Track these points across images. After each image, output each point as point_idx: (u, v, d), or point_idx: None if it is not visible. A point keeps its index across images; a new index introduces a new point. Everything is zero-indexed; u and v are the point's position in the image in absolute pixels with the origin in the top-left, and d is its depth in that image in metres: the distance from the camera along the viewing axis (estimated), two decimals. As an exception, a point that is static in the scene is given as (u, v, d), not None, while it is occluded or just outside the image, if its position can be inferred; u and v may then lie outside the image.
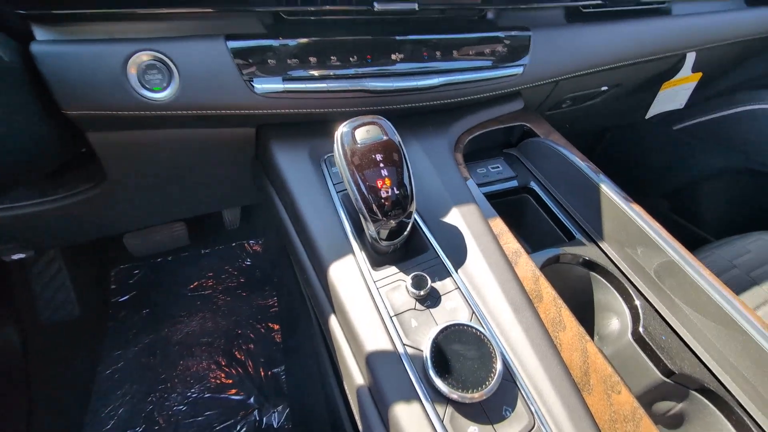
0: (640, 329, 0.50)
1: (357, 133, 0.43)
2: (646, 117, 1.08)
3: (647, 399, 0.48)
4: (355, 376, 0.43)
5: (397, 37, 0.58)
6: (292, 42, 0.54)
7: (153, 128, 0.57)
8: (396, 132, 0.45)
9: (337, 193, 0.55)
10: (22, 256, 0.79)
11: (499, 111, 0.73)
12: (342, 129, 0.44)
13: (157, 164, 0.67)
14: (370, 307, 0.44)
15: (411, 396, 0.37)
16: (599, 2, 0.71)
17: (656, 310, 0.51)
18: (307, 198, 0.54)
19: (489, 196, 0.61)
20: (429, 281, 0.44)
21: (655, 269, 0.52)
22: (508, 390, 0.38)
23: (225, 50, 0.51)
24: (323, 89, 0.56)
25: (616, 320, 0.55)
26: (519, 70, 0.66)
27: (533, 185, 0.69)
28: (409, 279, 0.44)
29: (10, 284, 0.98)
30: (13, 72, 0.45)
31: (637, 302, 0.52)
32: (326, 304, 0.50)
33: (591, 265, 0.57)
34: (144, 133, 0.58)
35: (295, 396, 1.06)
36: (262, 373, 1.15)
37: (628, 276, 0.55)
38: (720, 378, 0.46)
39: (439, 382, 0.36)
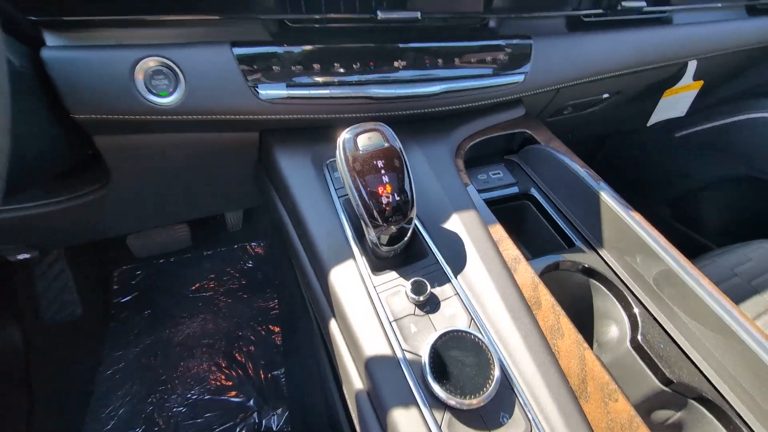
0: (639, 337, 0.50)
1: (359, 140, 0.44)
2: (648, 124, 1.08)
3: (645, 407, 0.48)
4: (355, 380, 0.44)
5: (400, 45, 0.59)
6: (296, 49, 0.54)
7: (158, 132, 0.58)
8: (397, 138, 0.45)
9: (338, 197, 0.56)
10: (26, 256, 0.80)
11: (500, 118, 0.74)
12: (344, 135, 0.44)
13: (162, 167, 0.68)
14: (369, 312, 0.44)
15: (409, 401, 0.37)
16: (600, 11, 0.72)
17: (655, 319, 0.52)
18: (308, 202, 0.55)
19: (489, 202, 0.61)
20: (428, 287, 0.44)
21: (654, 277, 0.53)
22: (506, 397, 0.38)
23: (230, 56, 0.52)
24: (326, 95, 0.57)
25: (615, 328, 0.55)
26: (520, 78, 0.66)
27: (534, 192, 0.70)
28: (408, 284, 0.45)
29: (13, 284, 0.99)
30: (24, 77, 0.45)
31: (636, 310, 0.52)
32: (326, 309, 0.50)
33: (590, 272, 0.58)
34: (149, 137, 0.59)
35: (295, 399, 1.06)
36: (262, 376, 1.15)
37: (627, 284, 0.55)
38: (718, 387, 0.46)
39: (437, 388, 0.36)
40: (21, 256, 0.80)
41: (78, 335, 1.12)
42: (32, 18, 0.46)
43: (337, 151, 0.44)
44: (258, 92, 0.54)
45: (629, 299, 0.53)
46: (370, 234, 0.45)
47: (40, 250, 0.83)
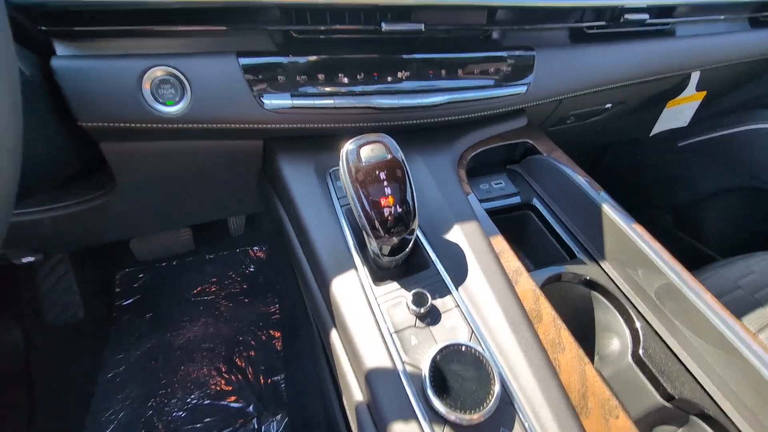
0: (640, 351, 0.50)
1: (362, 151, 0.44)
2: (651, 134, 1.08)
3: (647, 423, 0.48)
4: (355, 392, 0.44)
5: (404, 56, 0.60)
6: (301, 59, 0.55)
7: (164, 140, 0.59)
8: (399, 149, 0.46)
9: (341, 207, 0.56)
10: (31, 259, 0.81)
11: (502, 128, 0.74)
12: (347, 147, 0.45)
13: (166, 173, 0.69)
14: (371, 323, 0.44)
15: (409, 415, 0.37)
16: (603, 23, 0.72)
17: (657, 333, 0.51)
18: (311, 211, 0.55)
19: (491, 212, 0.62)
20: (429, 299, 0.44)
21: (656, 291, 0.53)
22: (506, 412, 0.38)
23: (236, 66, 0.53)
24: (330, 105, 0.57)
25: (616, 341, 0.55)
26: (523, 89, 0.67)
27: (536, 202, 0.70)
28: (409, 296, 0.45)
29: (17, 286, 1.00)
30: (33, 86, 0.46)
31: (638, 324, 0.52)
32: (328, 318, 0.50)
33: (592, 284, 0.57)
34: (154, 144, 0.60)
35: (294, 405, 1.06)
36: (262, 381, 1.15)
37: (629, 297, 0.55)
38: (720, 404, 0.45)
39: (437, 403, 0.36)
40: (25, 260, 0.81)
41: (80, 338, 1.13)
42: (43, 28, 0.47)
43: (340, 162, 0.45)
44: (263, 102, 0.55)
45: (631, 313, 0.53)
46: (372, 244, 0.45)
47: (44, 254, 0.84)
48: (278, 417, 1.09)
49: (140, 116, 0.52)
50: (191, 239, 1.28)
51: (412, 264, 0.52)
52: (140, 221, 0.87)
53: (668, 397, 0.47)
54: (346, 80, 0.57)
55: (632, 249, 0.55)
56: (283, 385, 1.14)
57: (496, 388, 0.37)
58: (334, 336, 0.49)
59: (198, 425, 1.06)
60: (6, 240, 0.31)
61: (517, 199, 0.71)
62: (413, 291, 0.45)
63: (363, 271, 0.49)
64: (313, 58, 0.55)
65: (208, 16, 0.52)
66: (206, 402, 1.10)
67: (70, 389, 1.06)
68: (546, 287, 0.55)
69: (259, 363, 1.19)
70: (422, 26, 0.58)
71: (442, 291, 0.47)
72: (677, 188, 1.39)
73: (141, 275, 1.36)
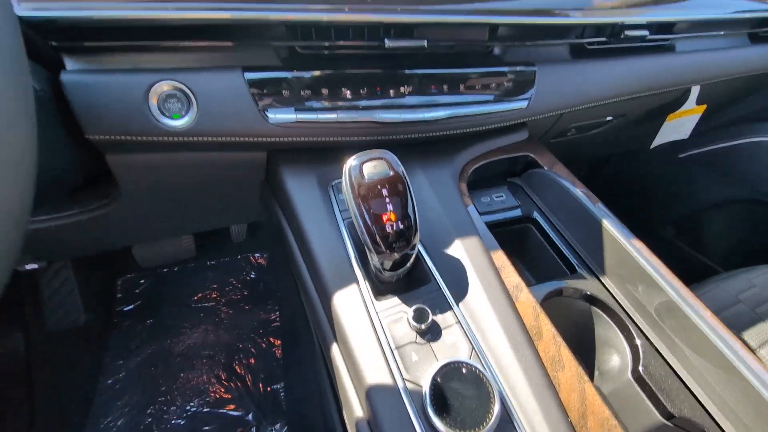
0: (640, 368, 0.50)
1: (365, 168, 0.45)
2: (651, 146, 1.09)
3: (647, 441, 0.48)
4: (355, 407, 0.44)
5: (406, 71, 0.61)
6: (305, 74, 0.56)
7: (169, 152, 0.60)
8: (401, 165, 0.46)
9: (343, 220, 0.57)
10: (35, 266, 0.81)
11: (503, 141, 0.75)
12: (350, 163, 0.45)
13: (170, 184, 0.69)
14: (372, 338, 0.44)
15: (409, 433, 0.37)
16: (603, 39, 0.73)
17: (657, 350, 0.52)
18: (314, 224, 0.56)
19: (493, 225, 0.62)
20: (430, 315, 0.44)
21: (655, 308, 0.53)
22: (506, 431, 0.38)
23: (242, 81, 0.54)
24: (334, 120, 0.58)
25: (616, 357, 0.55)
26: (524, 104, 0.67)
27: (536, 215, 0.70)
28: (410, 311, 0.45)
29: (19, 291, 1.00)
30: (43, 101, 0.47)
31: (638, 341, 0.52)
32: (329, 332, 0.51)
33: (592, 299, 0.58)
34: (159, 156, 0.60)
35: (294, 414, 1.06)
36: (262, 389, 1.15)
37: (630, 313, 0.55)
38: (720, 423, 0.45)
39: (437, 422, 0.36)
40: (29, 267, 0.81)
41: (81, 343, 1.13)
42: (54, 44, 0.48)
43: (343, 178, 0.45)
44: (267, 116, 0.55)
45: (631, 329, 0.53)
46: (374, 259, 0.46)
47: (48, 261, 0.84)
48: (277, 426, 1.08)
49: (147, 130, 0.52)
50: (193, 245, 1.29)
51: (414, 278, 0.52)
52: (143, 229, 0.87)
53: (668, 416, 0.47)
54: (349, 95, 0.58)
55: (632, 265, 0.55)
56: (282, 394, 1.14)
57: (496, 407, 0.37)
58: (335, 350, 0.49)
59: (197, 433, 1.06)
60: None
61: (518, 212, 0.71)
62: (414, 307, 0.45)
63: (364, 285, 0.49)
64: (317, 73, 0.56)
65: (215, 32, 0.53)
66: (205, 410, 1.10)
67: (70, 395, 1.06)
68: (546, 302, 0.56)
69: (259, 371, 1.19)
70: (425, 42, 0.59)
71: (443, 306, 0.48)
72: (678, 199, 1.40)
73: (142, 281, 1.36)
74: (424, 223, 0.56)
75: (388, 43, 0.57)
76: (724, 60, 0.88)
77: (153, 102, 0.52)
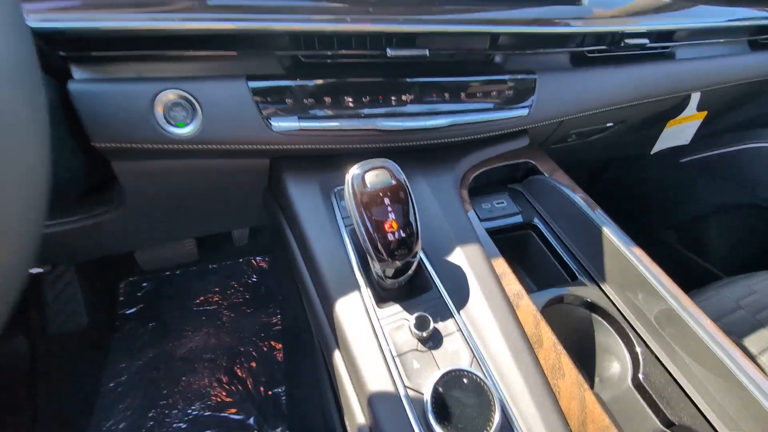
0: (640, 376, 0.50)
1: (367, 177, 0.46)
2: (652, 152, 1.09)
3: (647, 448, 0.48)
4: (357, 414, 0.44)
5: (408, 80, 0.61)
6: (309, 83, 0.57)
7: (173, 159, 0.60)
8: (403, 173, 0.47)
9: (345, 227, 0.57)
10: (39, 270, 0.82)
11: (504, 148, 0.75)
12: (353, 171, 0.46)
13: (174, 190, 0.70)
14: (373, 345, 0.45)
15: (411, 441, 0.38)
16: (604, 47, 0.74)
17: (657, 358, 0.52)
18: (316, 230, 0.57)
19: (493, 231, 0.62)
20: (431, 322, 0.45)
21: (655, 316, 0.53)
22: (506, 439, 0.38)
23: (246, 90, 0.55)
24: (337, 128, 0.59)
25: (616, 364, 0.55)
26: (524, 111, 0.68)
27: (537, 222, 0.71)
28: (412, 319, 0.45)
29: (23, 295, 1.01)
30: (51, 109, 0.48)
31: (638, 349, 0.52)
32: (331, 338, 0.51)
33: (593, 307, 0.58)
34: (164, 163, 0.61)
35: (295, 419, 1.06)
36: (263, 393, 1.15)
37: (630, 321, 0.55)
38: (720, 432, 0.46)
39: (438, 430, 0.37)
40: (34, 271, 0.82)
41: (83, 346, 1.13)
42: (62, 53, 0.49)
43: (346, 187, 0.46)
44: (271, 124, 0.56)
45: (631, 336, 0.54)
46: (376, 267, 0.46)
47: (52, 265, 0.85)
48: (278, 430, 1.08)
49: (152, 138, 0.53)
50: (195, 249, 1.29)
51: (415, 285, 0.53)
52: (147, 234, 0.88)
53: (668, 424, 0.47)
54: (352, 103, 0.59)
55: (632, 273, 0.55)
56: (283, 398, 1.14)
57: (497, 416, 0.37)
58: (337, 356, 0.50)
59: (198, 437, 1.06)
60: None
61: (518, 219, 0.72)
62: (416, 314, 0.45)
63: (366, 292, 0.50)
64: (320, 81, 0.57)
65: (219, 42, 0.54)
66: (207, 414, 1.10)
67: (72, 397, 1.07)
68: (547, 309, 0.56)
69: (260, 374, 1.19)
70: (426, 51, 0.60)
71: (444, 314, 0.48)
72: (679, 204, 1.40)
73: (145, 284, 1.37)
74: (425, 231, 0.56)
75: (390, 52, 0.58)
76: (724, 67, 0.89)
77: (158, 110, 0.52)
